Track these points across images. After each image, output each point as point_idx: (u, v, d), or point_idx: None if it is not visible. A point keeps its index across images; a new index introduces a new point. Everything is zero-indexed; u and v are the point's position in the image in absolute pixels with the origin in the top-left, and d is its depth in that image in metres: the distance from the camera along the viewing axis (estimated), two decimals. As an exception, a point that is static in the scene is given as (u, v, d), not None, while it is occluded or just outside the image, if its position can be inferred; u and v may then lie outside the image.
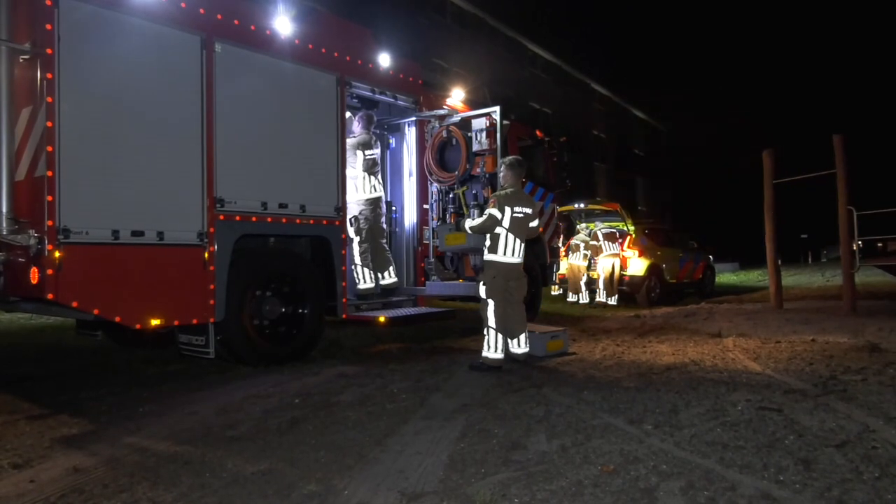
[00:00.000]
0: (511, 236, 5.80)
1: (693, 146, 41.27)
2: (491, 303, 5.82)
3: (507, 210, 5.78)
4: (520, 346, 5.99)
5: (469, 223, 6.17)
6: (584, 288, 13.25)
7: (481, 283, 5.92)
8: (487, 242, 5.90)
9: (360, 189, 7.28)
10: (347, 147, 7.10)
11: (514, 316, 5.92)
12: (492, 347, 5.76)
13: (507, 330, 5.87)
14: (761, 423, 3.78)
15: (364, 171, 7.30)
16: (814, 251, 41.45)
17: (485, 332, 5.83)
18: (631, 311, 11.63)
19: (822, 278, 20.35)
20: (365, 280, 7.33)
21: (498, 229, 5.80)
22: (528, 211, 5.93)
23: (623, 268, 13.08)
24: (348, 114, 7.32)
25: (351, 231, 7.15)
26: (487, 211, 5.86)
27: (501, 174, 6.20)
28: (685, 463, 3.17)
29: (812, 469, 3.04)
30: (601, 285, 13.09)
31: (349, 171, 7.10)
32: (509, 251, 5.82)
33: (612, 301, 12.94)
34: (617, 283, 13.00)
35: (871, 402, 4.20)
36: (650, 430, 3.73)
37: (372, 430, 3.88)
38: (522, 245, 5.91)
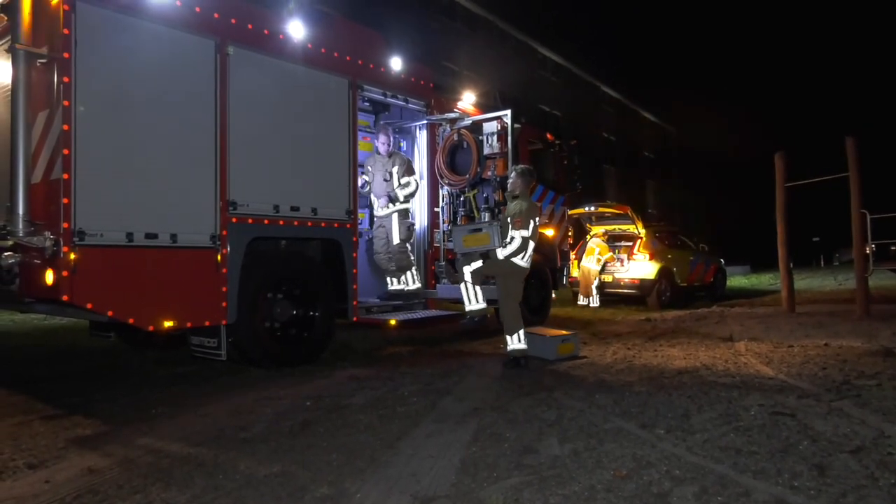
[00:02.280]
0: (531, 244, 6.06)
1: (703, 148, 41.03)
2: (469, 268, 6.14)
3: (531, 223, 6.00)
4: (520, 341, 6.08)
5: (502, 252, 6.04)
6: (595, 291, 13.20)
7: (494, 277, 6.26)
8: (512, 248, 6.03)
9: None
10: (401, 163, 7.34)
11: (517, 314, 6.12)
12: (472, 301, 6.19)
13: (509, 328, 6.06)
14: (774, 428, 3.76)
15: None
16: (826, 254, 41.05)
17: (462, 287, 6.20)
18: (641, 315, 11.57)
19: (834, 282, 20.16)
20: (412, 282, 7.52)
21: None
22: (538, 219, 6.21)
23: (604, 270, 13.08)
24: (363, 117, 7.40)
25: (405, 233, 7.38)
26: (518, 234, 5.95)
27: (511, 181, 6.23)
28: (698, 468, 3.15)
29: (826, 475, 3.02)
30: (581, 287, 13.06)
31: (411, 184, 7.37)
32: (527, 258, 6.09)
33: (588, 302, 12.94)
34: (595, 286, 12.99)
35: (885, 408, 4.16)
36: (662, 435, 3.71)
37: (383, 433, 3.89)
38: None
